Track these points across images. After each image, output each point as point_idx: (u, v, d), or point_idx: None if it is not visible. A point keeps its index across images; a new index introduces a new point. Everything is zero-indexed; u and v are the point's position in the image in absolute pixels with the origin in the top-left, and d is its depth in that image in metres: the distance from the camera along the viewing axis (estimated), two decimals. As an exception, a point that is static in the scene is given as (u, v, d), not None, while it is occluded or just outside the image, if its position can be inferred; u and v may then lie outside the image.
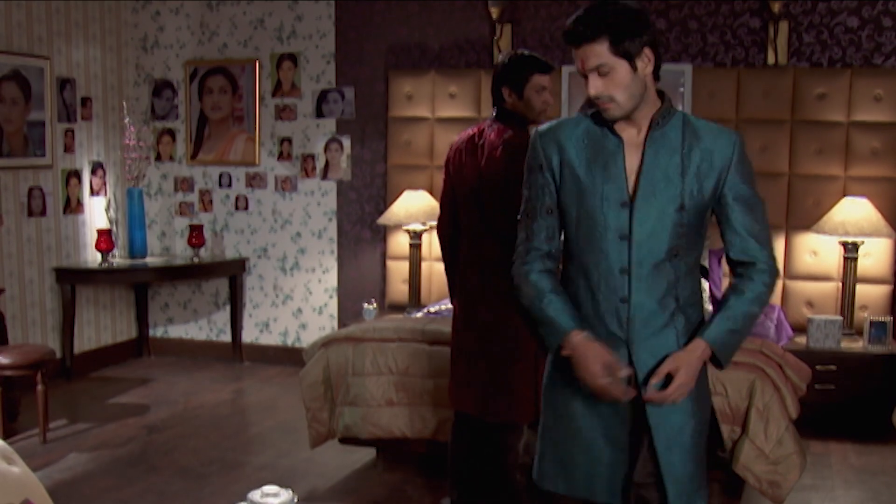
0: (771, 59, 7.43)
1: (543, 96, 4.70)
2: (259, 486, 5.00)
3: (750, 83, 7.46)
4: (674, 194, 3.04)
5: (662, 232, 3.05)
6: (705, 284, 7.17)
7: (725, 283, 7.51)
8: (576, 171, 3.11)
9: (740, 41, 7.55)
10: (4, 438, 6.27)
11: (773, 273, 3.22)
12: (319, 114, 8.67)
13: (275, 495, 2.83)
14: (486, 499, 5.07)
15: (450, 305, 7.17)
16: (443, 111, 8.16)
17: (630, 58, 2.97)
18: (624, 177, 3.06)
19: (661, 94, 3.14)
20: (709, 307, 7.07)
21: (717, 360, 3.16)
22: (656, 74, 3.09)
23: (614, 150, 3.08)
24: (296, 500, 2.86)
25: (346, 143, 8.58)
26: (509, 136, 4.65)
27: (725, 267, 7.51)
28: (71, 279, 8.24)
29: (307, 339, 8.73)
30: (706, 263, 7.27)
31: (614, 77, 2.97)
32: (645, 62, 3.01)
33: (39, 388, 6.52)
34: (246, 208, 9.00)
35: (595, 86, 2.99)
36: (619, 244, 3.06)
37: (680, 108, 7.52)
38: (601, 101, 3.02)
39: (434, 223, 7.80)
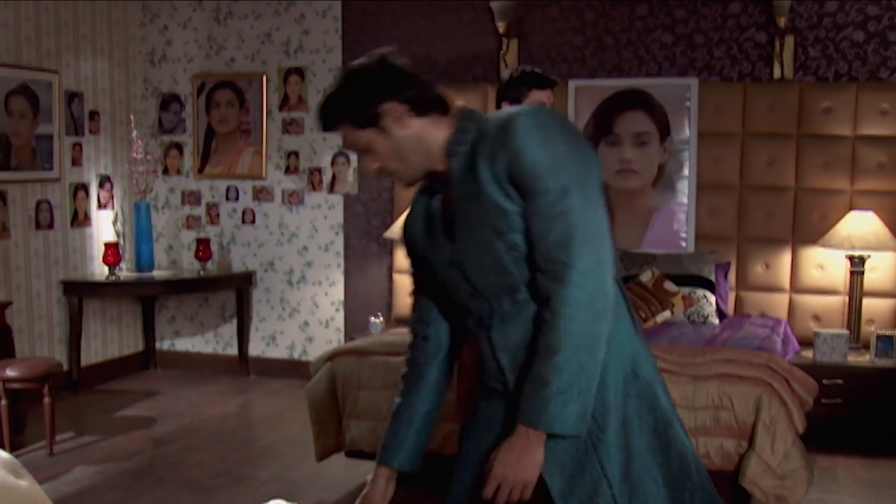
0: (777, 73, 7.44)
1: None
2: (266, 499, 5.01)
3: (756, 97, 7.47)
4: (486, 222, 2.61)
5: (498, 267, 2.65)
6: (711, 299, 7.17)
7: (732, 297, 7.52)
8: (419, 247, 2.87)
9: (746, 55, 7.57)
10: (11, 451, 6.28)
11: (577, 298, 2.52)
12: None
13: (281, 509, 2.83)
14: None
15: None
16: (449, 125, 8.15)
17: (374, 125, 2.65)
18: (444, 232, 2.75)
19: (464, 116, 2.73)
20: (715, 321, 7.09)
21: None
22: (438, 108, 2.70)
23: (435, 209, 2.79)
24: None
25: (353, 156, 8.59)
26: None
27: (732, 280, 7.52)
28: (78, 292, 8.26)
29: (314, 352, 8.74)
30: (712, 278, 7.27)
31: (376, 149, 2.68)
32: (393, 120, 2.65)
33: (46, 400, 6.52)
34: (253, 222, 9.01)
35: (365, 164, 2.74)
36: (473, 300, 2.74)
37: (686, 122, 7.53)
38: (386, 176, 2.78)
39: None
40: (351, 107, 2.66)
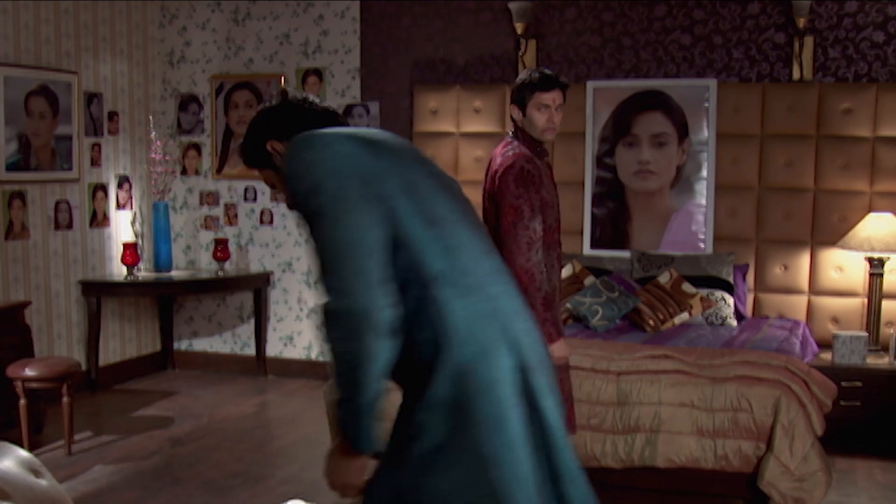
0: (796, 75, 7.41)
1: (546, 114, 4.70)
2: (283, 499, 5.01)
3: (775, 98, 7.45)
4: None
5: None
6: (729, 301, 7.15)
7: (750, 298, 7.50)
8: None
9: (765, 56, 7.54)
10: (30, 450, 6.30)
11: (328, 314, 2.55)
12: (344, 128, 8.67)
13: (299, 509, 2.84)
14: None
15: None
16: (468, 126, 8.17)
17: (268, 166, 2.89)
18: None
19: None
20: (733, 323, 7.07)
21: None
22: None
23: None
24: None
25: (371, 157, 8.58)
26: (507, 154, 4.75)
27: (751, 282, 7.50)
28: (96, 292, 8.28)
29: (331, 352, 8.72)
30: (731, 279, 7.25)
31: (279, 187, 2.89)
32: (279, 157, 2.83)
33: (65, 400, 6.55)
34: (271, 222, 9.02)
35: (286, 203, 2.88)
36: None
37: (704, 123, 7.52)
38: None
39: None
40: (247, 152, 2.91)
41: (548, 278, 4.65)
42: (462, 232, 2.76)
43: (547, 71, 4.77)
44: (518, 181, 4.60)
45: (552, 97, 4.68)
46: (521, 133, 4.76)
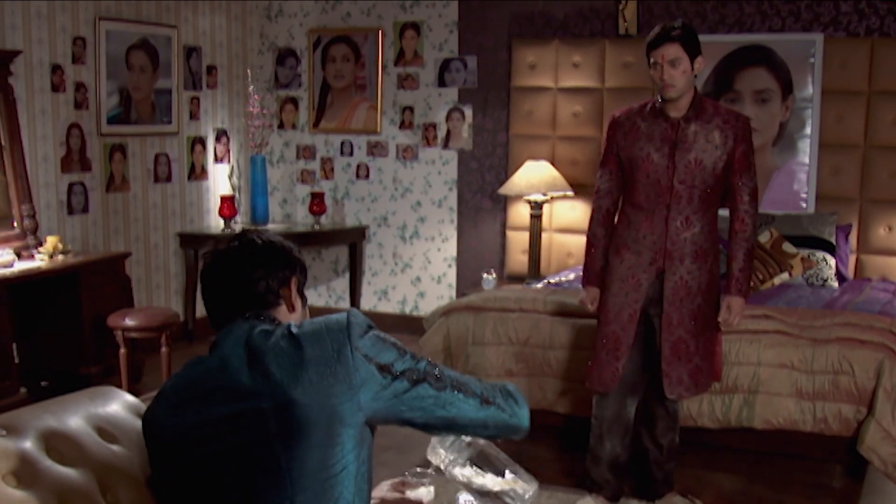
0: (907, 29, 7.20)
1: (658, 71, 4.52)
2: (384, 451, 5.01)
3: (884, 53, 7.22)
4: None
5: None
6: (831, 262, 7.00)
7: (852, 260, 7.34)
8: None
9: (875, 10, 7.31)
10: (130, 399, 6.41)
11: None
12: (442, 83, 8.65)
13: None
14: None
15: (570, 277, 7.15)
16: (566, 81, 8.07)
17: None
18: None
19: None
20: (834, 284, 6.92)
21: None
22: None
23: None
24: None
25: (468, 112, 8.56)
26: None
27: (853, 243, 7.33)
28: (194, 244, 8.37)
29: (425, 307, 8.75)
30: (833, 240, 7.09)
31: None
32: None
33: (163, 349, 6.65)
34: (367, 176, 9.03)
35: None
36: None
37: (809, 79, 7.34)
38: None
39: (555, 194, 7.77)
40: None
41: (633, 238, 4.62)
42: None
43: (675, 24, 4.54)
44: (607, 134, 4.74)
45: (661, 53, 4.48)
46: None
